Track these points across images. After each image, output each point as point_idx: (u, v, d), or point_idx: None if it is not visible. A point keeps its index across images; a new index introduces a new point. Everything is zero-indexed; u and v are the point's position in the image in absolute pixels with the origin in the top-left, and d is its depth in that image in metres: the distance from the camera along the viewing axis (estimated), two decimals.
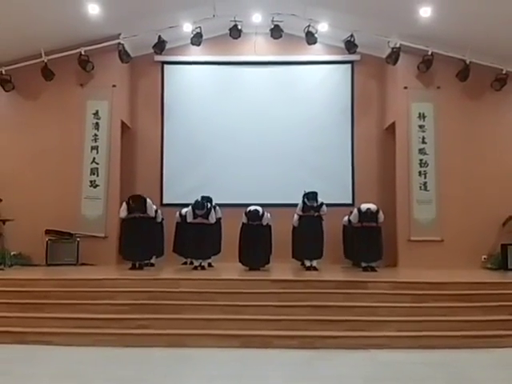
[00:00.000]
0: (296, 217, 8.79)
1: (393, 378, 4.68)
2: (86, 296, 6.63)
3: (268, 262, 8.52)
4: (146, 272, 8.27)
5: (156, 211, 8.93)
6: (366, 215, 8.48)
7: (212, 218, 8.52)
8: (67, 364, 5.11)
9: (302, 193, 8.71)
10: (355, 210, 8.75)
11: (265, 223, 8.42)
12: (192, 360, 5.27)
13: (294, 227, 8.91)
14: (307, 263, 8.65)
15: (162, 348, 5.65)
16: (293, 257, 8.91)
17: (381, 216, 8.59)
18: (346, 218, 9.40)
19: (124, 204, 8.59)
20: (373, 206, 8.59)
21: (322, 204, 8.61)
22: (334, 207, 9.21)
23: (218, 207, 9.17)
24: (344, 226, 9.62)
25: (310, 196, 8.58)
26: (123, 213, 8.49)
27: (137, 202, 8.43)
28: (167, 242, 9.57)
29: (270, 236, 8.59)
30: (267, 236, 8.54)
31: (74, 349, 5.62)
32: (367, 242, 8.43)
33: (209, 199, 8.88)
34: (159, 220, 9.22)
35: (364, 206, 8.60)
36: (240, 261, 8.49)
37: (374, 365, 5.17)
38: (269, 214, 8.58)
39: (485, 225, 9.71)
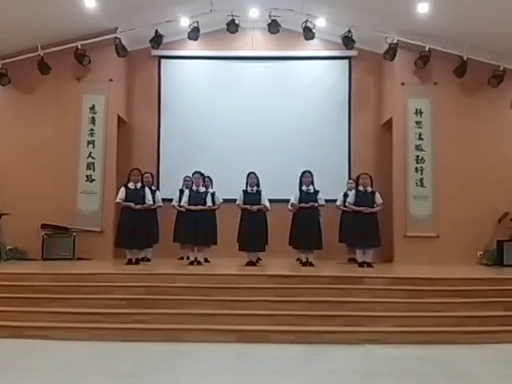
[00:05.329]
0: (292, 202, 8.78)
1: (388, 373, 4.70)
2: (83, 290, 6.62)
3: (267, 243, 8.59)
4: (142, 267, 8.28)
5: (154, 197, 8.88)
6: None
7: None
8: (64, 358, 5.11)
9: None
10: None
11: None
12: (188, 355, 5.27)
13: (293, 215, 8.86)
14: (303, 258, 8.68)
15: (159, 343, 5.65)
16: (289, 244, 8.86)
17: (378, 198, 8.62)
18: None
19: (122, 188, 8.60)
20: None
21: (317, 191, 8.62)
22: (330, 203, 9.21)
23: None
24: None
25: (306, 174, 8.59)
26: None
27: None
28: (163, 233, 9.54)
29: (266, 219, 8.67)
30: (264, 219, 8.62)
31: (71, 343, 5.61)
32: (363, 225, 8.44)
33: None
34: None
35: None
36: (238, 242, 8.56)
37: (370, 360, 5.18)
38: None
39: (481, 221, 9.75)
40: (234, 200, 8.62)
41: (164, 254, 9.65)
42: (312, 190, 8.61)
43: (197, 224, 8.40)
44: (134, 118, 11.07)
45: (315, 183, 8.66)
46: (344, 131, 10.99)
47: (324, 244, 8.63)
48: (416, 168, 10.00)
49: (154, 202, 8.77)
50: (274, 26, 9.80)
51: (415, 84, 10.13)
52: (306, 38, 9.92)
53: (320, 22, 9.93)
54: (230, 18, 9.75)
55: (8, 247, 9.38)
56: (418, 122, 10.09)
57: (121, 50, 9.99)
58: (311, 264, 8.49)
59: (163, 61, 11.16)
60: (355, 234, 8.53)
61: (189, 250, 8.79)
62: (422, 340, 5.74)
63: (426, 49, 9.79)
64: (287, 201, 8.91)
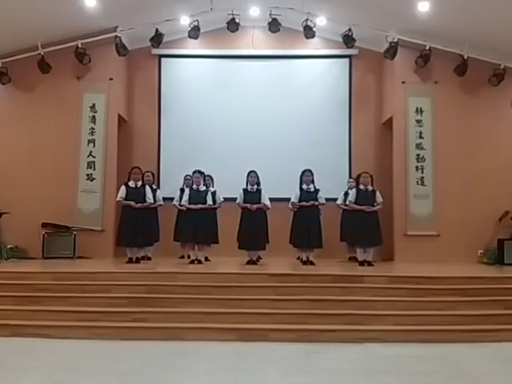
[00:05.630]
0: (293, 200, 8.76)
1: (389, 371, 4.69)
2: (83, 289, 6.62)
3: (267, 242, 8.58)
4: (142, 265, 8.28)
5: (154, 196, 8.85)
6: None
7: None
8: (64, 357, 5.11)
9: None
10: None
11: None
12: (189, 353, 5.27)
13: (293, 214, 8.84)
14: (304, 257, 8.67)
15: (159, 341, 5.65)
16: (290, 243, 8.85)
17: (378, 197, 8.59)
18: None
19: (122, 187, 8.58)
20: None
21: (318, 190, 8.61)
22: (330, 201, 9.21)
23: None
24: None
25: (306, 173, 8.58)
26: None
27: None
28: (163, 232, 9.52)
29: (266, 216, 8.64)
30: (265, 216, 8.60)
31: (71, 342, 5.62)
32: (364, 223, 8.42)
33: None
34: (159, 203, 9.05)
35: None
36: (238, 241, 8.55)
37: (371, 358, 5.18)
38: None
39: (481, 220, 9.75)
40: (235, 199, 8.62)
41: (165, 253, 9.66)
42: (312, 189, 8.61)
43: (197, 223, 8.40)
44: (135, 116, 11.07)
45: (316, 182, 8.65)
46: (344, 130, 10.99)
47: (324, 243, 8.62)
48: (416, 167, 10.00)
49: (154, 200, 8.76)
50: (274, 25, 9.80)
51: (416, 83, 10.13)
52: (307, 37, 9.91)
53: (320, 21, 9.93)
54: (231, 16, 9.75)
55: (9, 246, 9.39)
56: (418, 121, 10.08)
57: (121, 48, 9.99)
58: (312, 263, 8.49)
59: (163, 60, 11.16)
60: (356, 232, 8.52)
61: (189, 248, 8.79)
62: (422, 338, 5.74)
63: (427, 47, 9.79)
64: (288, 199, 8.89)
